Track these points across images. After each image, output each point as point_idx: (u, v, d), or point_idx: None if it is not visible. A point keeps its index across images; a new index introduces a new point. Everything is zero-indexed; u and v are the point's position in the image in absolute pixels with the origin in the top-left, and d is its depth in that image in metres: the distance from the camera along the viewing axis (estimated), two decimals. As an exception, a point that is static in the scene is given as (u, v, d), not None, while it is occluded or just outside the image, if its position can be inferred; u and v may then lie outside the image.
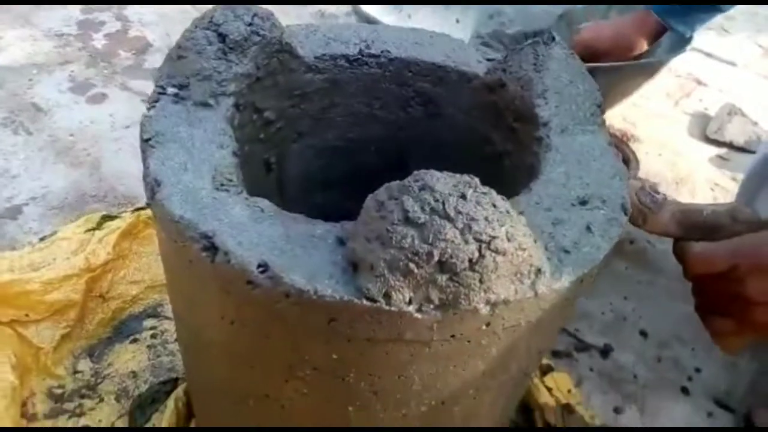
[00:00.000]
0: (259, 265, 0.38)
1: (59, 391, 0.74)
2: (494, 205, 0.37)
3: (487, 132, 0.63)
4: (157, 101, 0.50)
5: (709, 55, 1.63)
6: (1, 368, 0.67)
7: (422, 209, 0.36)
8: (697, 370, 0.83)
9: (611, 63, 1.04)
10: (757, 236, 0.51)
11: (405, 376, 0.41)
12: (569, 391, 0.76)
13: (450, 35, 0.67)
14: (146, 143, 0.46)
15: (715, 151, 1.30)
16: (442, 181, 0.37)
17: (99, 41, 1.46)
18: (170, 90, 0.51)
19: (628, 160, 1.05)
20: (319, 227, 0.41)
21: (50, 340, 0.75)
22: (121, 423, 0.71)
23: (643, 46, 1.08)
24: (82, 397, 0.74)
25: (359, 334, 0.38)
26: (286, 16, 1.49)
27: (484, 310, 0.37)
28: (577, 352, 0.83)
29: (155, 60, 1.41)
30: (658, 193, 0.56)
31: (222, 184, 0.43)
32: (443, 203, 0.36)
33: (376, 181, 0.73)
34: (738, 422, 0.76)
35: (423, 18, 1.26)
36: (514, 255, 0.37)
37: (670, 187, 1.18)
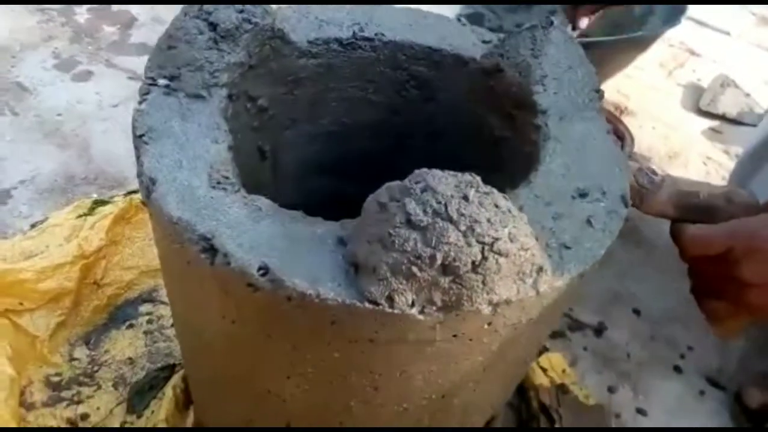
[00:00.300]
0: (260, 268, 0.37)
1: (57, 379, 0.74)
2: (496, 206, 0.36)
3: (483, 117, 0.62)
4: (147, 93, 0.49)
5: (702, 23, 1.61)
6: (-3, 359, 0.67)
7: (424, 212, 0.35)
8: (690, 348, 0.84)
9: (607, 38, 1.03)
10: (753, 219, 0.51)
11: (406, 373, 0.42)
12: (564, 371, 0.77)
13: (446, 16, 0.66)
14: (139, 139, 0.45)
15: (708, 123, 1.30)
16: (444, 182, 0.36)
17: (82, 15, 1.42)
18: (161, 81, 0.49)
19: (623, 137, 1.04)
20: (319, 227, 0.41)
21: (46, 329, 0.75)
22: (120, 410, 0.71)
23: None
24: (80, 384, 0.74)
25: (361, 336, 0.38)
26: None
27: (487, 310, 0.37)
28: (571, 331, 0.84)
29: (141, 35, 1.37)
30: (656, 174, 0.55)
31: (218, 182, 0.42)
32: (445, 205, 0.35)
33: (371, 165, 0.73)
34: (729, 400, 0.77)
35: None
36: (517, 255, 0.36)
37: (663, 161, 1.18)
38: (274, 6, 0.56)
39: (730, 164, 1.20)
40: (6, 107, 1.15)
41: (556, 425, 0.69)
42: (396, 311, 0.36)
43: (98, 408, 0.71)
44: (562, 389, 0.74)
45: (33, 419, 0.69)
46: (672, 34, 1.43)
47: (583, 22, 1.02)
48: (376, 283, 0.35)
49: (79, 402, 0.71)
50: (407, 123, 0.68)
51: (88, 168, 1.05)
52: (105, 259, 0.81)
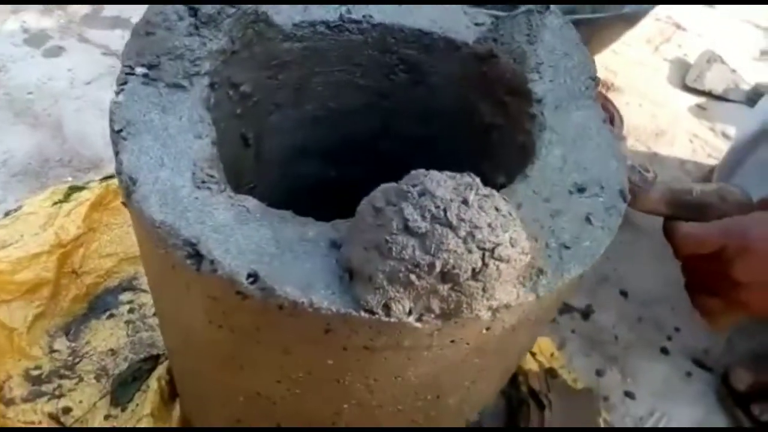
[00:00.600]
0: (249, 275, 0.35)
1: (36, 372, 0.72)
2: (497, 209, 0.35)
3: (475, 103, 0.60)
4: (125, 83, 0.46)
5: (688, -4, 1.59)
6: (-27, 354, 0.65)
7: (422, 217, 0.34)
8: (677, 330, 0.84)
9: (596, 15, 1.01)
10: (746, 218, 0.51)
11: (402, 377, 0.40)
12: (552, 354, 0.76)
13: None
14: (117, 135, 0.42)
15: (694, 100, 1.29)
16: (443, 185, 0.34)
17: (51, -14, 1.36)
18: (139, 70, 0.47)
19: (612, 117, 1.03)
20: (310, 229, 0.39)
21: (23, 321, 0.72)
22: (103, 403, 0.70)
23: None
24: (61, 377, 0.72)
25: (356, 343, 0.37)
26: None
27: (486, 316, 0.36)
28: (559, 314, 0.84)
29: (114, 8, 1.32)
30: (648, 171, 0.55)
31: (203, 181, 0.40)
32: (444, 210, 0.34)
33: (357, 149, 0.71)
34: (715, 382, 0.78)
35: None
36: (518, 260, 0.35)
37: (649, 139, 1.18)
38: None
39: (716, 142, 1.20)
40: (-26, 85, 1.10)
41: (546, 411, 0.69)
42: (393, 320, 0.34)
43: (80, 401, 0.70)
44: (551, 373, 0.74)
45: (13, 415, 0.67)
46: (659, 8, 1.41)
47: None
48: (372, 291, 0.34)
49: (60, 396, 0.70)
50: (395, 107, 0.66)
51: (62, 149, 1.02)
52: (83, 247, 0.78)
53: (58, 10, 1.29)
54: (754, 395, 0.73)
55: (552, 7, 0.53)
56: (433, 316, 0.35)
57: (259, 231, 0.38)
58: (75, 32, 1.25)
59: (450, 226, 0.33)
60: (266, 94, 0.60)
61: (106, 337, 0.76)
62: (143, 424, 0.66)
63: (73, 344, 0.75)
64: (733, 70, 1.33)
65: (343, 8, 0.59)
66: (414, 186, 0.35)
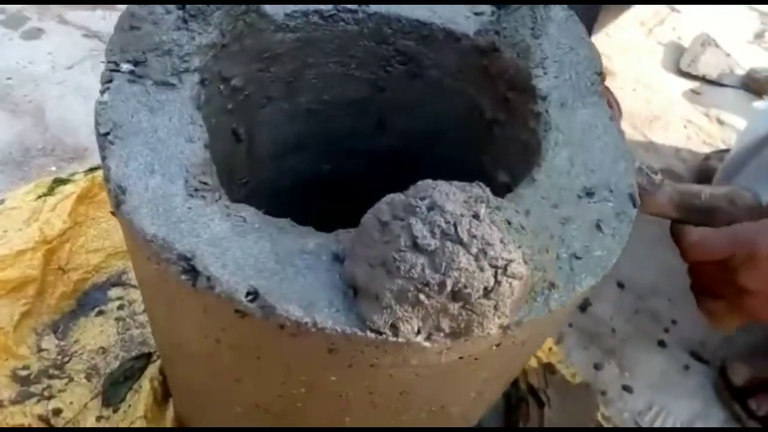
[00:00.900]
0: (248, 293, 0.34)
1: (24, 372, 0.70)
2: (509, 223, 0.33)
3: (475, 97, 0.58)
4: (110, 81, 0.44)
5: (682, -24, 1.57)
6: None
7: (432, 233, 0.32)
8: (674, 322, 0.84)
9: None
10: (755, 225, 0.50)
11: (407, 392, 0.39)
12: (550, 349, 0.76)
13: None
14: (104, 138, 0.40)
15: (688, 84, 1.28)
16: (452, 199, 0.33)
17: (28, -36, 1.31)
18: (125, 67, 0.44)
19: (611, 106, 1.01)
20: (310, 240, 0.37)
21: (9, 319, 0.70)
22: (94, 404, 0.68)
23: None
24: (50, 377, 0.70)
25: (361, 362, 0.35)
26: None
27: (497, 333, 0.34)
28: (557, 306, 0.83)
29: (95, -13, 1.27)
30: (656, 173, 0.53)
31: (196, 189, 0.38)
32: (455, 225, 0.32)
33: (352, 142, 0.69)
34: (713, 375, 0.78)
35: None
36: (530, 276, 0.34)
37: (644, 125, 1.16)
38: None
39: (711, 128, 1.19)
40: (-51, 70, 1.06)
41: (545, 408, 0.68)
42: (400, 340, 0.33)
43: (71, 402, 0.68)
44: (549, 369, 0.73)
45: (2, 418, 0.65)
46: (654, -10, 1.39)
47: None
48: (379, 310, 0.32)
49: (50, 397, 0.68)
50: (391, 100, 0.64)
51: (44, 138, 0.98)
52: (69, 243, 0.76)
53: (36, -10, 1.25)
54: (751, 389, 0.73)
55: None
56: (442, 335, 0.33)
57: (258, 243, 0.36)
58: (54, 13, 1.21)
59: (461, 242, 0.32)
60: (258, 88, 0.58)
61: (96, 334, 0.74)
62: (136, 426, 0.64)
63: (62, 343, 0.73)
64: (728, 54, 1.32)
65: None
66: (422, 199, 0.33)
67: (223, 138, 0.57)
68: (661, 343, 0.81)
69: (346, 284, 0.35)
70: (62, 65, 1.11)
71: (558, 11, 0.51)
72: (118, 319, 0.75)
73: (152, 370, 0.69)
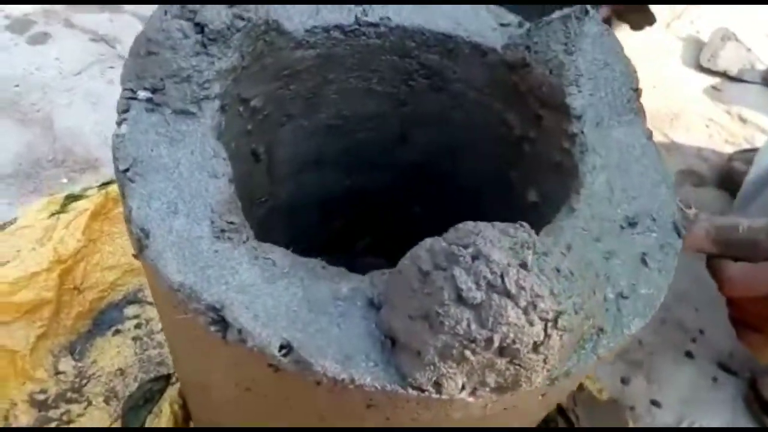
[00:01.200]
0: (282, 347, 0.32)
1: (42, 396, 0.69)
2: (558, 270, 0.31)
3: (502, 113, 0.56)
4: (127, 110, 0.42)
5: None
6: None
7: (477, 285, 0.30)
8: (701, 332, 0.82)
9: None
10: None
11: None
12: (577, 363, 0.74)
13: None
14: (123, 175, 0.38)
15: (708, 80, 1.25)
16: (497, 246, 0.31)
17: (32, -33, 1.28)
18: (142, 94, 0.42)
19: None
20: (343, 284, 0.35)
21: (26, 342, 0.69)
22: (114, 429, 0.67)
23: None
24: (68, 401, 0.69)
25: (401, 416, 0.33)
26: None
27: (544, 385, 0.33)
28: (581, 317, 0.81)
29: (100, -10, 1.25)
30: (690, 207, 0.51)
31: (222, 230, 0.36)
32: (502, 276, 0.30)
33: (372, 156, 0.66)
34: (742, 386, 0.76)
35: None
36: (581, 325, 0.32)
37: (665, 124, 1.14)
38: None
39: (732, 125, 1.16)
40: (-45, 79, 1.04)
41: (575, 426, 0.67)
42: (444, 396, 0.31)
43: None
44: (577, 386, 0.71)
45: (19, 445, 0.64)
46: (671, -17, 1.35)
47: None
48: (421, 367, 0.30)
49: (69, 422, 0.67)
50: (414, 114, 0.62)
51: (54, 148, 0.97)
52: (84, 261, 0.74)
53: (41, -7, 1.22)
54: (784, 404, 0.71)
55: (592, 12, 0.48)
56: (488, 389, 0.32)
57: (289, 290, 0.34)
58: (60, 17, 1.19)
59: (508, 295, 0.30)
60: (277, 106, 0.56)
61: (114, 355, 0.72)
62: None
63: (79, 364, 0.72)
64: (749, 49, 1.28)
65: (359, 10, 0.54)
66: (465, 247, 0.31)
67: (242, 159, 0.55)
68: (689, 354, 0.79)
69: (383, 333, 0.33)
70: (70, 71, 1.09)
71: (592, 25, 0.48)
72: (135, 339, 0.74)
73: (171, 392, 0.68)
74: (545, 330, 0.30)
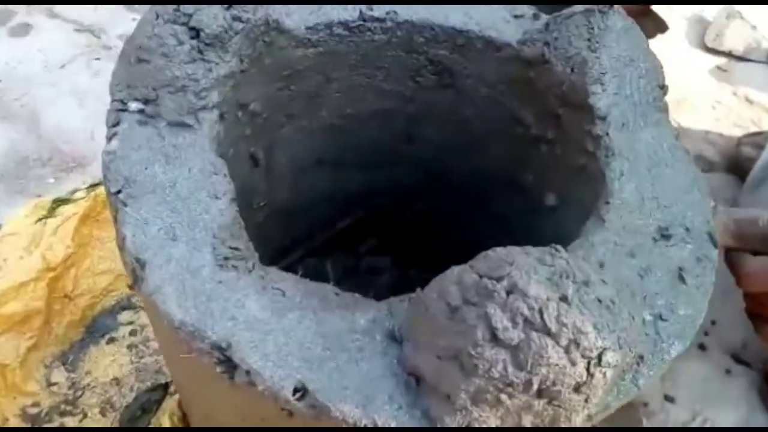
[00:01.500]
0: (296, 389, 0.29)
1: (35, 410, 0.66)
2: (599, 301, 0.28)
3: (517, 111, 0.53)
4: (117, 124, 0.38)
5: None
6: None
7: (514, 323, 0.27)
8: (713, 323, 0.80)
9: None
10: None
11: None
12: (589, 363, 0.72)
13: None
14: (115, 197, 0.35)
15: (714, 61, 1.21)
16: (534, 278, 0.28)
17: (11, -47, 1.23)
18: (133, 106, 0.39)
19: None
20: (360, 314, 0.32)
21: (15, 355, 0.66)
22: (112, 443, 0.64)
23: None
24: (62, 414, 0.66)
25: (428, 459, 0.31)
26: None
27: (583, 422, 0.30)
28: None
29: (83, -24, 1.19)
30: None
31: (226, 258, 0.33)
32: (540, 312, 0.27)
33: (377, 156, 0.63)
34: (757, 378, 0.74)
35: None
36: (624, 359, 0.29)
37: (671, 107, 1.10)
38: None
39: (740, 107, 1.13)
40: (-67, 75, 0.99)
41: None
42: (477, 441, 0.28)
43: (86, 442, 0.64)
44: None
45: (13, 464, 0.61)
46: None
47: None
48: (452, 412, 0.28)
49: (64, 437, 0.64)
50: (421, 111, 0.58)
51: (39, 146, 0.93)
52: (74, 268, 0.71)
53: (20, -18, 1.17)
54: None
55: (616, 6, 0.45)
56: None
57: (301, 323, 0.31)
58: (42, 6, 1.13)
59: (548, 333, 0.27)
60: (277, 108, 0.52)
61: (108, 364, 0.69)
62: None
63: (73, 375, 0.69)
64: (754, 27, 1.25)
65: (363, 5, 0.50)
66: (498, 280, 0.28)
67: (240, 165, 0.52)
68: (701, 347, 0.77)
69: (406, 371, 0.30)
70: (54, 64, 1.05)
71: (617, 20, 0.45)
72: (130, 347, 0.71)
73: (170, 403, 0.65)
74: (588, 369, 0.27)
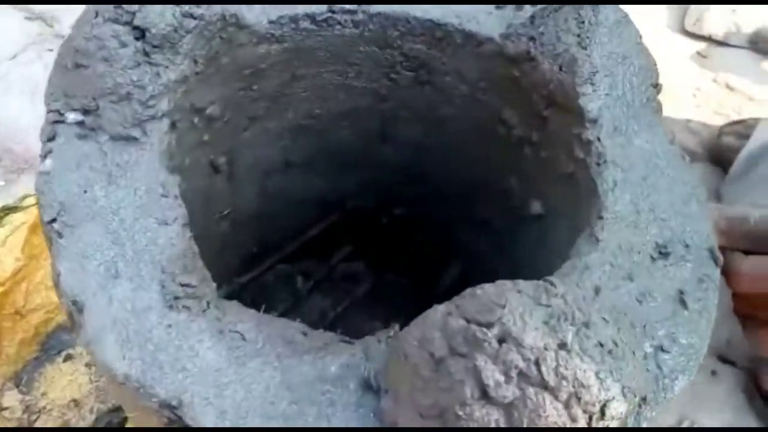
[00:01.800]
0: (259, 454, 0.25)
1: (-15, 437, 0.61)
2: (601, 345, 0.25)
3: (499, 110, 0.49)
4: (53, 139, 0.34)
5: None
6: None
7: (507, 376, 0.23)
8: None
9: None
10: None
11: None
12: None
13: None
14: (50, 227, 0.30)
15: (694, 46, 1.19)
16: (530, 324, 0.24)
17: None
18: (71, 117, 0.34)
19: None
20: (331, 360, 0.28)
21: (-38, 378, 0.61)
22: (71, 469, 0.60)
23: None
24: (16, 440, 0.61)
25: None
26: None
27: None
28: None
29: (34, -40, 1.12)
30: None
31: (176, 297, 0.29)
32: (537, 363, 0.24)
33: (350, 158, 0.59)
34: (743, 379, 0.73)
35: None
36: (629, 407, 0.26)
37: (651, 95, 1.07)
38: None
39: (720, 94, 1.11)
40: None
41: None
42: (465, 508, 0.25)
43: (43, 469, 0.60)
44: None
45: (-38, 498, 0.57)
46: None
47: None
48: (437, 478, 0.24)
49: (18, 465, 0.59)
50: (396, 110, 0.54)
51: (-12, 145, 0.86)
52: (25, 282, 0.66)
53: (-35, -34, 1.09)
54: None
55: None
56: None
57: (264, 373, 0.27)
58: (-11, -8, 1.06)
59: (546, 387, 0.23)
60: (238, 111, 0.48)
61: (66, 384, 0.65)
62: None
63: (27, 397, 0.64)
64: (733, 10, 1.22)
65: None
66: (488, 326, 0.24)
67: (199, 173, 0.47)
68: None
69: (383, 422, 0.26)
70: (3, 55, 0.98)
71: (609, 14, 0.41)
72: (89, 365, 0.66)
73: (133, 424, 0.61)
74: (589, 422, 0.24)
